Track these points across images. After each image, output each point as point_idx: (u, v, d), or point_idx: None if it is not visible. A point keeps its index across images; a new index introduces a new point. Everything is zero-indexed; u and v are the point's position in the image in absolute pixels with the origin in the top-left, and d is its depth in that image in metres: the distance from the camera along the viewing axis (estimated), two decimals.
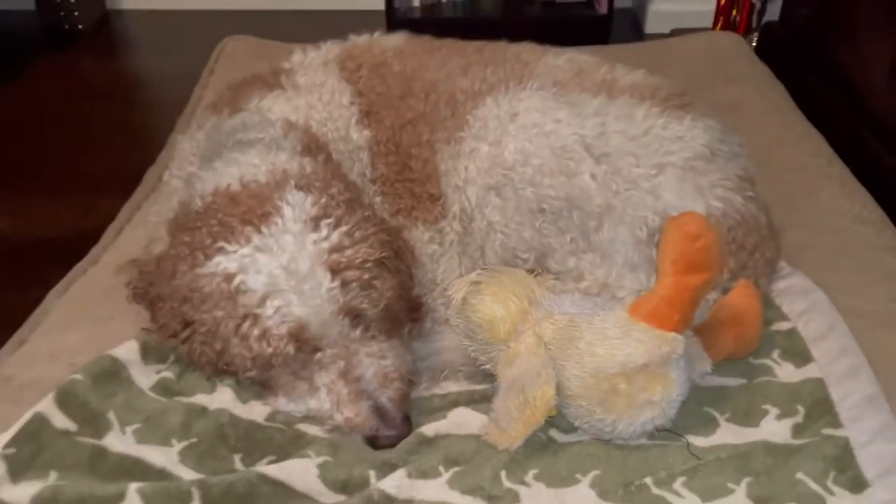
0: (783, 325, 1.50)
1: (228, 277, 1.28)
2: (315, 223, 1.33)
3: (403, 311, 1.50)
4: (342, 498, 1.20)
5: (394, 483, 1.20)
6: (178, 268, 1.35)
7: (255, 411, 1.35)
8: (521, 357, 1.30)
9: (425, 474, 1.23)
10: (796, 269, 1.66)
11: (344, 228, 1.34)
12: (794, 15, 2.71)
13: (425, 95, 1.74)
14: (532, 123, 1.60)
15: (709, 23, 3.48)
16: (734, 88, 2.38)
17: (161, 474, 1.20)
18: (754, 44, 3.13)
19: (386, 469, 1.24)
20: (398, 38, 1.90)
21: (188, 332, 1.35)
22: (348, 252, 1.32)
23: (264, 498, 1.17)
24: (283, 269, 1.27)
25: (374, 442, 1.32)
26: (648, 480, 1.21)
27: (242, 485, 1.17)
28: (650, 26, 3.78)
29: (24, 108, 3.40)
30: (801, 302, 1.56)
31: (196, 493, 1.14)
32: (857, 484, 1.16)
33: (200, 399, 1.35)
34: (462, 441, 1.30)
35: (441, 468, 1.25)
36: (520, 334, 1.34)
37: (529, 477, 1.23)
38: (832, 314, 1.50)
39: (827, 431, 1.26)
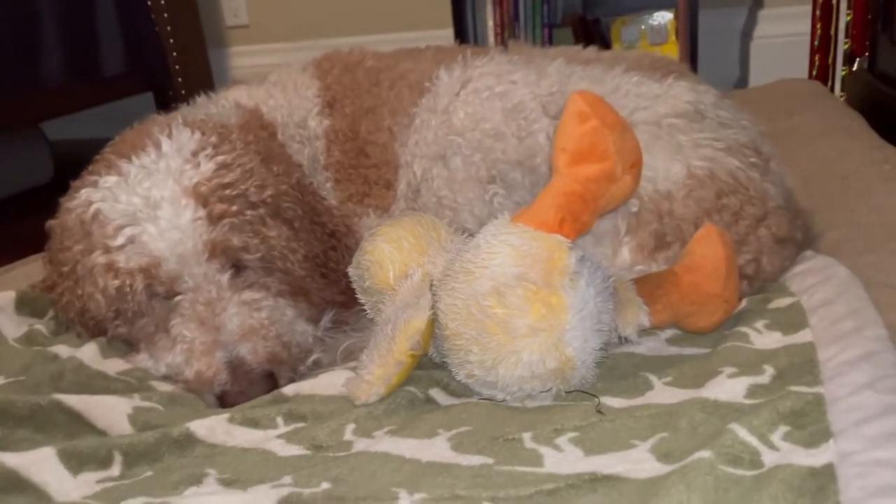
0: (783, 301, 1.14)
1: (87, 207, 1.17)
2: (194, 156, 1.20)
3: (318, 286, 1.30)
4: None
5: (205, 424, 0.96)
6: (59, 209, 1.26)
7: (111, 365, 1.17)
8: (400, 293, 1.06)
9: (254, 423, 0.98)
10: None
11: (221, 158, 1.20)
12: None
13: (391, 84, 1.62)
14: (484, 87, 1.43)
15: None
16: (797, 118, 2.07)
17: None
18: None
19: (207, 413, 1.00)
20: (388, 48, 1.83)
21: (60, 281, 1.23)
22: (219, 181, 1.17)
23: (49, 424, 0.97)
24: (141, 198, 1.14)
25: (223, 399, 1.09)
26: (526, 435, 0.88)
27: (25, 406, 0.97)
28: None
29: None
30: (814, 278, 1.19)
31: None
32: (817, 438, 0.78)
33: (59, 349, 1.19)
34: (322, 400, 1.04)
35: (279, 420, 0.99)
36: (410, 276, 1.09)
37: (381, 432, 0.94)
38: (849, 282, 1.13)
39: (795, 388, 0.88)
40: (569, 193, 0.92)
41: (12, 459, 0.86)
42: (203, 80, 3.91)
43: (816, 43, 2.95)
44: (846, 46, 2.95)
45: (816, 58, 2.96)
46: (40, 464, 0.87)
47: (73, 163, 3.53)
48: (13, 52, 2.92)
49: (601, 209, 0.96)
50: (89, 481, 0.87)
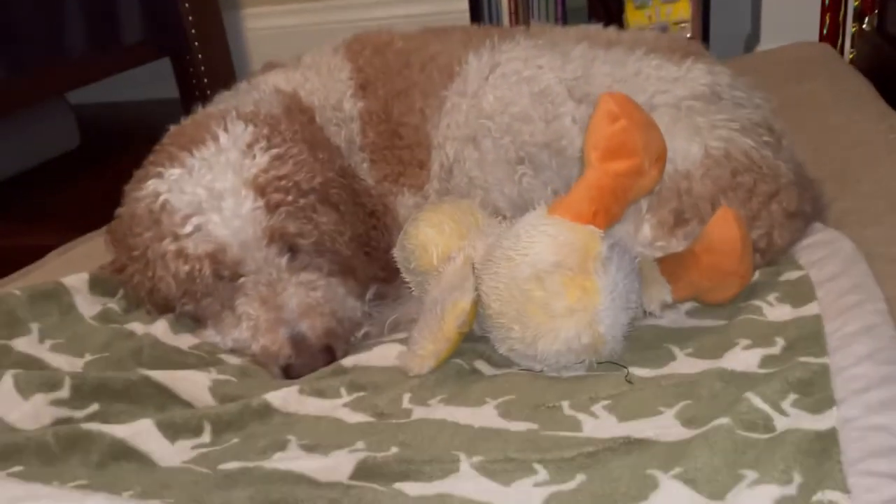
0: (793, 275, 1.25)
1: (156, 198, 1.28)
2: (249, 148, 1.30)
3: (362, 263, 1.41)
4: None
5: (279, 395, 1.09)
6: (126, 198, 1.37)
7: (182, 340, 1.29)
8: (445, 275, 1.17)
9: (321, 393, 1.11)
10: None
11: (275, 151, 1.30)
12: None
13: (421, 66, 1.70)
14: (512, 72, 1.51)
15: None
16: (807, 85, 2.15)
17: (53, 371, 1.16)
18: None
19: (280, 386, 1.13)
20: (414, 29, 1.90)
21: (130, 263, 1.35)
22: (275, 173, 1.28)
23: (141, 397, 1.10)
24: (205, 189, 1.25)
25: (287, 371, 1.22)
26: (565, 403, 1.01)
27: (119, 382, 1.10)
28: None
29: None
30: (821, 251, 1.30)
31: (67, 382, 1.09)
32: (822, 405, 0.90)
33: (133, 326, 1.32)
34: (378, 371, 1.17)
35: (343, 390, 1.12)
36: (452, 259, 1.21)
37: (434, 400, 1.07)
38: (854, 256, 1.24)
39: (804, 359, 1.00)
40: (601, 187, 1.03)
41: (119, 431, 0.99)
42: (219, 43, 3.96)
43: (827, 1, 2.99)
44: (856, 4, 2.99)
45: (827, 16, 3.01)
46: (142, 434, 1.00)
47: (97, 127, 3.57)
48: (37, 25, 3.00)
49: (630, 200, 1.07)
50: (185, 448, 1.00)
